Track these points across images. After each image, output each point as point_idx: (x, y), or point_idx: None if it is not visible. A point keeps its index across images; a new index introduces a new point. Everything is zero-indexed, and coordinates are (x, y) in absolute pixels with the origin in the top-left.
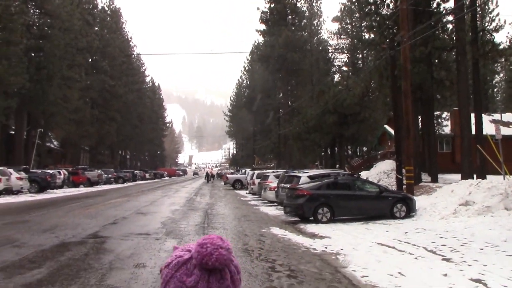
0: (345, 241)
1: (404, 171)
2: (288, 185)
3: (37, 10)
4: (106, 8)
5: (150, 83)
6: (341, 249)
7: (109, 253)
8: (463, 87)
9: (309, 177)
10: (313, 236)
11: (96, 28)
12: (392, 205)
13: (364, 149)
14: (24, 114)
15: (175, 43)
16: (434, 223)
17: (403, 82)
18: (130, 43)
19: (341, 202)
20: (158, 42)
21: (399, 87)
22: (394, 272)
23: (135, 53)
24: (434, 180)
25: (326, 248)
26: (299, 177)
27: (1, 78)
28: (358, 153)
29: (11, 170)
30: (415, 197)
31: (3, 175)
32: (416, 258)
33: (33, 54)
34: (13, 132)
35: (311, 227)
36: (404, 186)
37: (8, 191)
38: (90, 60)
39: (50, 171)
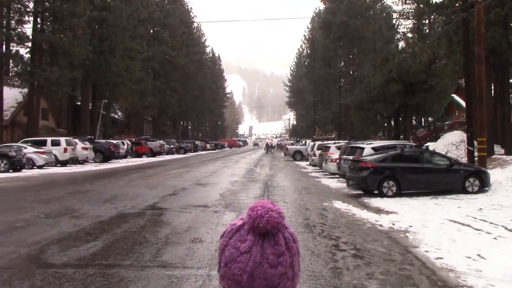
0: (413, 217)
1: (475, 142)
2: (351, 157)
3: None
4: None
5: (210, 54)
6: (410, 226)
7: (166, 226)
8: None
9: (373, 148)
10: (378, 211)
11: None
12: (464, 179)
13: (430, 119)
14: (89, 85)
15: (234, 12)
16: (511, 199)
17: (476, 46)
18: (191, 13)
19: (408, 175)
20: (217, 11)
21: (471, 52)
22: (472, 254)
23: (195, 23)
24: (509, 152)
25: (393, 224)
26: (363, 148)
27: (66, 49)
28: (423, 124)
29: (77, 140)
30: (488, 171)
31: (69, 145)
32: (495, 238)
33: (96, 26)
34: (79, 103)
35: (376, 201)
36: (476, 159)
37: (74, 161)
38: (151, 31)
39: (114, 141)
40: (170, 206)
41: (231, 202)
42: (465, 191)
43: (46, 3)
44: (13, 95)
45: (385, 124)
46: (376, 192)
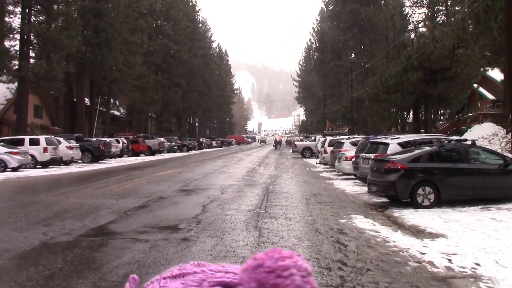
0: (472, 244)
1: None
2: (373, 155)
3: None
4: None
5: (217, 49)
6: (477, 265)
7: (93, 273)
8: None
9: (401, 144)
10: (418, 232)
11: None
12: None
13: (447, 111)
14: (85, 80)
15: (242, 8)
16: None
17: None
18: (196, 7)
19: (450, 179)
20: (224, 7)
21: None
22: None
23: (200, 17)
24: None
25: (449, 260)
26: (387, 144)
27: (55, 41)
28: (441, 116)
29: (60, 139)
30: None
31: (50, 144)
32: None
33: (90, 17)
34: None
35: (410, 215)
36: None
37: (57, 162)
38: (153, 24)
39: (107, 139)
40: (124, 229)
41: (213, 219)
42: None
43: None
44: (2, 91)
45: (405, 116)
46: (408, 200)
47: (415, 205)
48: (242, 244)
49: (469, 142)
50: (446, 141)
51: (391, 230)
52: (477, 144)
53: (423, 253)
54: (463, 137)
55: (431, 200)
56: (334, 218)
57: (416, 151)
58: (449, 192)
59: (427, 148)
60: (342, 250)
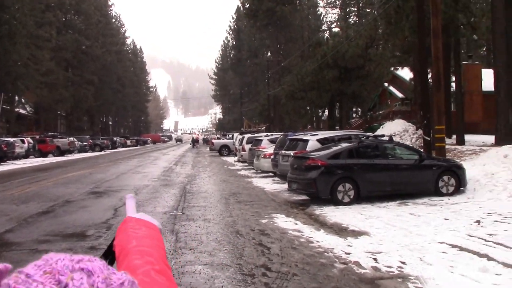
0: (395, 241)
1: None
2: (292, 152)
3: None
4: None
5: (132, 46)
6: (402, 263)
7: None
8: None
9: (319, 140)
10: (341, 231)
11: None
12: (438, 177)
13: (359, 110)
14: None
15: (157, 4)
16: (504, 203)
17: (433, 18)
18: (108, 1)
19: (369, 175)
20: (138, 1)
21: (425, 28)
22: None
23: (113, 12)
24: (460, 142)
25: (375, 259)
26: (306, 141)
27: None
28: (353, 114)
29: None
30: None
31: None
32: None
33: None
34: None
35: (331, 213)
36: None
37: None
38: (63, 18)
39: (11, 139)
40: (23, 239)
41: None
42: (438, 193)
43: None
44: None
45: (320, 114)
46: (328, 197)
47: (336, 202)
48: None
49: (386, 138)
50: (364, 137)
51: (313, 229)
52: (393, 140)
53: (348, 253)
54: (379, 133)
55: (351, 197)
56: (255, 218)
57: (336, 148)
58: (368, 188)
59: (346, 145)
60: (266, 254)
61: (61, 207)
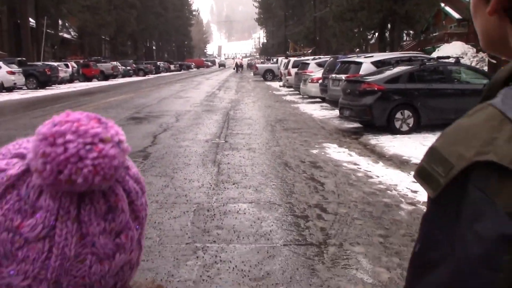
0: None
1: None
2: (344, 76)
3: None
4: None
5: None
6: None
7: None
8: None
9: (374, 63)
10: (402, 164)
11: None
12: None
13: (410, 32)
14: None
15: None
16: None
17: None
18: None
19: (431, 101)
20: None
21: None
22: None
23: None
24: None
25: None
26: (360, 63)
27: None
28: (405, 36)
29: (0, 63)
30: None
31: None
32: None
33: None
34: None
35: (388, 143)
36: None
37: None
38: None
39: (54, 64)
40: None
41: (164, 153)
42: None
43: None
44: None
45: (369, 37)
46: (384, 125)
47: (393, 130)
48: (197, 185)
49: (452, 60)
50: (426, 59)
51: (371, 161)
52: (461, 63)
53: (415, 191)
54: (443, 55)
55: (410, 125)
56: (305, 148)
57: (394, 71)
58: (429, 116)
59: (406, 67)
60: (319, 190)
61: None
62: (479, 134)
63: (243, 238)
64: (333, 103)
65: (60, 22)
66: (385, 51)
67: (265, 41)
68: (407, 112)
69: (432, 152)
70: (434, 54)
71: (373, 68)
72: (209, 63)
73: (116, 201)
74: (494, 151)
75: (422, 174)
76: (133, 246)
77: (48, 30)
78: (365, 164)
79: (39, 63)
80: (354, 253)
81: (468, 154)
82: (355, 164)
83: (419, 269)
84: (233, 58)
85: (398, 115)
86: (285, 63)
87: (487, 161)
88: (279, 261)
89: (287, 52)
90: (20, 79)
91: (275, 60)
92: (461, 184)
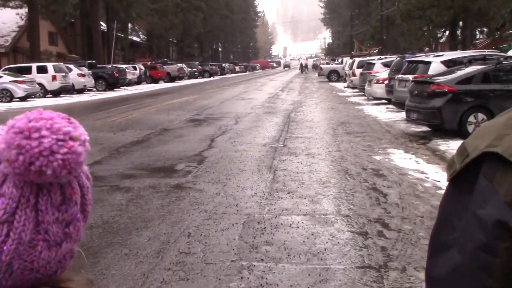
0: None
1: None
2: (411, 77)
3: None
4: None
5: None
6: None
7: None
8: None
9: (444, 63)
10: None
11: None
12: None
13: (484, 29)
14: (99, 4)
15: None
16: None
17: None
18: None
19: (508, 104)
20: None
21: None
22: None
23: None
24: None
25: None
26: (429, 63)
27: None
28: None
29: (71, 66)
30: None
31: (59, 71)
32: None
33: None
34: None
35: None
36: None
37: (68, 90)
38: None
39: (123, 66)
40: (108, 172)
41: (219, 157)
42: None
43: None
44: (14, 18)
45: (439, 35)
46: (455, 130)
47: (465, 135)
48: (250, 193)
49: None
50: (503, 58)
51: (440, 169)
52: None
53: None
54: None
55: None
56: (367, 153)
57: (466, 70)
58: None
59: (480, 67)
60: (381, 203)
61: (157, 136)
62: (496, 130)
63: (293, 256)
64: (399, 105)
65: (129, 25)
66: (456, 50)
67: (331, 41)
68: (481, 116)
69: (460, 146)
70: (511, 53)
71: (443, 68)
72: (274, 64)
73: (71, 193)
74: (502, 145)
75: (449, 163)
76: (78, 236)
77: (118, 34)
78: (434, 173)
79: (108, 66)
80: (419, 281)
81: (481, 146)
82: (422, 172)
83: (434, 250)
84: (298, 59)
85: (471, 118)
86: (349, 63)
87: (493, 153)
88: (332, 287)
89: (352, 53)
90: (89, 81)
91: (340, 60)
92: (474, 172)
